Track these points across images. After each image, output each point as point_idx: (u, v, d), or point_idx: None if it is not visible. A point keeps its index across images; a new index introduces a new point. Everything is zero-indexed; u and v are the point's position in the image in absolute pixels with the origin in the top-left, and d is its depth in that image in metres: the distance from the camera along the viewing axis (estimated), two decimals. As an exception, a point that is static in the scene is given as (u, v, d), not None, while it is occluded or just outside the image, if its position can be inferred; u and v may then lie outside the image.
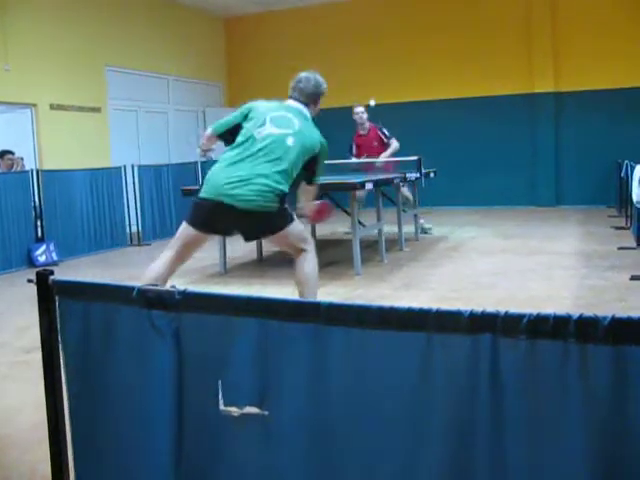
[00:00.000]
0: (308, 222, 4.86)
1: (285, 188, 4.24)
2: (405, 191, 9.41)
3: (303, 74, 4.59)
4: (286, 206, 4.33)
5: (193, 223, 4.30)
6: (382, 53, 13.99)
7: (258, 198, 4.13)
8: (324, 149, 4.48)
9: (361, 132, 9.69)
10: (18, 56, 9.85)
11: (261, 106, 4.51)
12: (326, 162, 4.66)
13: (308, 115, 4.54)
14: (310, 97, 4.55)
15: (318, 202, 4.85)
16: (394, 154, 9.50)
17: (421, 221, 9.73)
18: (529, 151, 13.21)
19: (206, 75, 14.74)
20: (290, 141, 4.29)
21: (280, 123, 4.35)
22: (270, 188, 4.16)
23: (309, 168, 4.43)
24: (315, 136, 4.45)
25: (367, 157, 9.57)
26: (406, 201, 9.38)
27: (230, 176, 4.17)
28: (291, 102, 4.55)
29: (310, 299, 3.91)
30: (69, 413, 1.95)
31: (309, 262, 4.50)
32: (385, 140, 9.53)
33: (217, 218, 4.26)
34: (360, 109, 9.65)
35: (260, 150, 4.24)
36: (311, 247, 4.53)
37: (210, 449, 1.76)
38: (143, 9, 12.66)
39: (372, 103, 9.78)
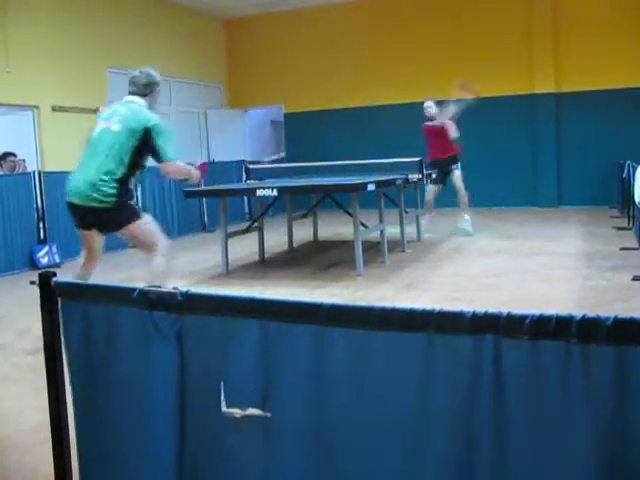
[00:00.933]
0: (194, 182, 5.34)
1: (119, 172, 4.66)
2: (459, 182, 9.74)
3: (136, 71, 5.07)
4: (130, 202, 4.82)
5: (75, 225, 4.90)
6: (382, 54, 13.98)
7: (95, 193, 4.61)
8: (157, 127, 4.80)
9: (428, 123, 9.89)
10: (19, 58, 9.86)
11: (98, 115, 5.12)
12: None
13: (142, 102, 4.96)
14: (144, 87, 4.98)
15: (198, 164, 5.36)
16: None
17: (466, 216, 9.76)
18: (530, 152, 13.20)
19: (207, 76, 14.75)
20: (115, 127, 4.75)
21: (109, 117, 4.85)
22: (103, 181, 4.62)
23: (149, 147, 4.79)
24: (142, 116, 4.83)
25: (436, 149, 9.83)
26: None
27: (75, 178, 4.73)
28: (127, 97, 5.00)
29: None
30: (74, 414, 1.95)
31: (155, 261, 4.79)
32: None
33: (81, 216, 4.75)
34: (427, 103, 9.95)
35: (92, 147, 4.77)
36: (163, 245, 4.83)
37: (212, 451, 1.76)
38: (144, 11, 12.67)
39: None
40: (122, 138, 4.71)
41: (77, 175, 4.72)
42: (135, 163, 4.79)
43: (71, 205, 4.74)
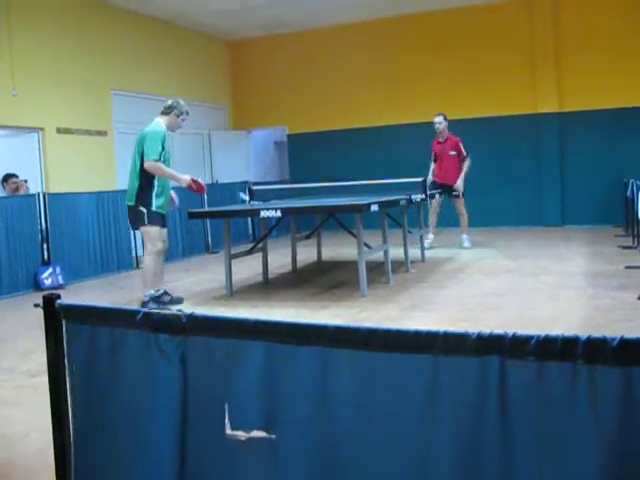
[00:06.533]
0: (184, 185, 6.79)
1: (135, 183, 6.40)
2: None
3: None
4: (141, 208, 6.38)
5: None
6: (385, 74, 14.05)
7: (127, 196, 6.55)
8: (148, 134, 6.34)
9: (439, 139, 10.51)
10: (25, 81, 9.93)
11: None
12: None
13: (159, 121, 6.59)
14: (166, 109, 6.67)
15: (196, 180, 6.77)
16: (467, 173, 10.42)
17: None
18: (534, 171, 13.21)
19: (211, 98, 14.83)
20: (135, 143, 6.45)
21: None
22: (130, 188, 6.48)
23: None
24: (146, 130, 6.43)
25: (443, 165, 10.45)
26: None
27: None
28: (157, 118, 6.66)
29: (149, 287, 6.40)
30: (73, 436, 1.94)
31: (145, 258, 6.60)
32: (463, 154, 10.38)
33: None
34: (437, 119, 10.45)
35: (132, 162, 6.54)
36: (153, 249, 6.44)
37: (216, 473, 1.74)
38: (148, 33, 12.77)
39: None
40: (135, 150, 6.40)
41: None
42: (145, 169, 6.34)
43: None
